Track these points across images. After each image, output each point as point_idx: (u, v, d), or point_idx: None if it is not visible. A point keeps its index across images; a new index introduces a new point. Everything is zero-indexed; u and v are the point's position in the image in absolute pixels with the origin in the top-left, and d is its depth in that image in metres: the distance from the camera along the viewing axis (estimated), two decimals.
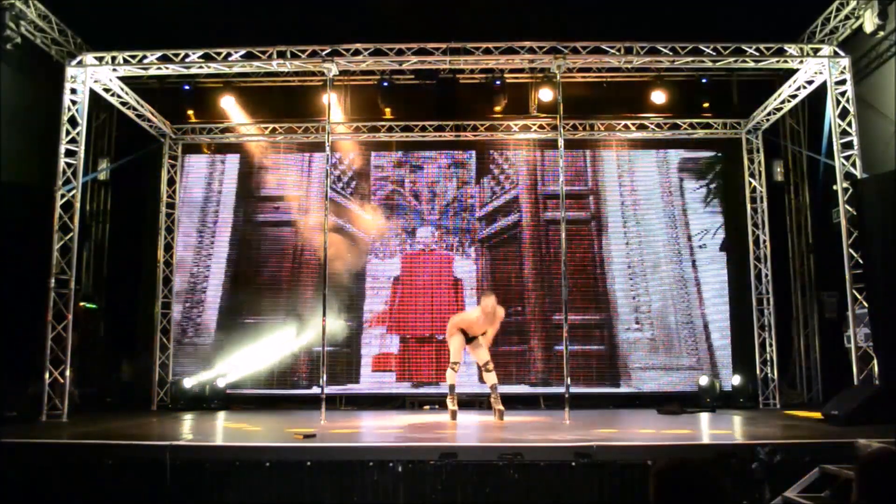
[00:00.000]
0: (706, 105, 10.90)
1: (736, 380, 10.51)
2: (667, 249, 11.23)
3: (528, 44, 8.86)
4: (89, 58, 8.93)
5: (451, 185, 11.57)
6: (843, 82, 8.55)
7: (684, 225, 11.30)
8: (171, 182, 11.26)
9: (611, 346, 11.01)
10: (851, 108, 8.47)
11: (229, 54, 8.96)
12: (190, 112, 11.20)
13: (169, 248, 11.10)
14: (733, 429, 7.53)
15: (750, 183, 10.90)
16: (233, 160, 11.66)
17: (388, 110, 10.92)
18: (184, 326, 11.15)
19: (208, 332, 11.18)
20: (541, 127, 11.31)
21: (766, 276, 10.65)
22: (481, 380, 9.23)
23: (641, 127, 11.31)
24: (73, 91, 8.74)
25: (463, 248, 11.43)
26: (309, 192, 11.56)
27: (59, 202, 8.50)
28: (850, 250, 8.18)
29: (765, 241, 10.76)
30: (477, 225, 11.45)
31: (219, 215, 11.48)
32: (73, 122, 8.63)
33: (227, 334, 11.02)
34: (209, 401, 10.34)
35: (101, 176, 11.38)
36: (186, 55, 8.97)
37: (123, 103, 9.92)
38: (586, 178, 11.52)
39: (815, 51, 8.79)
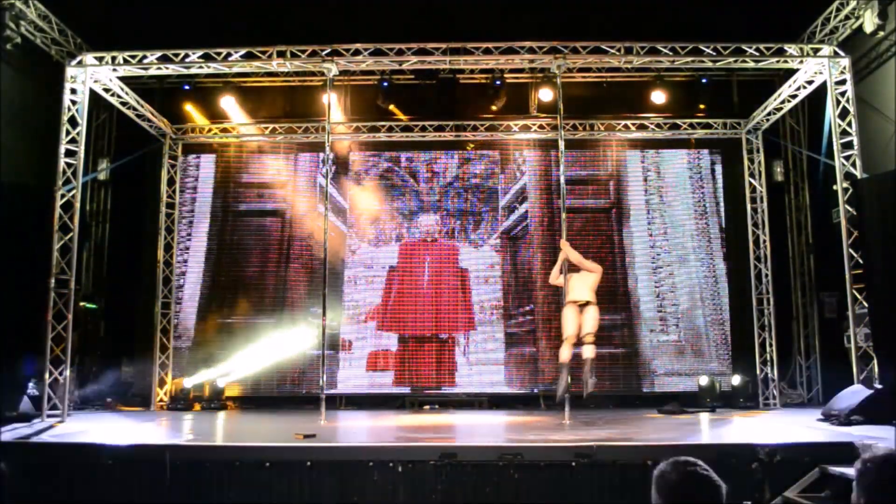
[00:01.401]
0: (702, 107, 10.94)
1: (736, 380, 10.51)
2: (695, 240, 11.19)
3: (528, 44, 8.86)
4: (89, 58, 8.92)
5: (452, 163, 11.53)
6: (843, 82, 8.55)
7: (715, 214, 11.29)
8: (171, 182, 11.26)
9: (631, 348, 10.97)
10: (851, 108, 8.46)
11: (229, 54, 8.95)
12: (190, 111, 11.17)
13: (169, 248, 11.09)
14: (733, 429, 7.53)
15: (750, 183, 10.90)
16: (208, 159, 11.64)
17: (396, 109, 10.91)
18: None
19: (188, 333, 11.20)
20: (541, 127, 11.30)
21: (766, 276, 10.65)
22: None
23: (641, 127, 11.31)
24: (73, 91, 8.73)
25: (466, 236, 11.34)
26: (296, 183, 11.53)
27: (59, 202, 8.49)
28: (850, 250, 8.17)
29: (765, 241, 10.75)
30: (481, 205, 11.38)
31: (196, 208, 11.48)
32: (73, 122, 8.62)
33: (209, 333, 11.07)
34: (209, 401, 10.35)
35: (101, 176, 11.38)
36: (186, 55, 8.96)
37: (123, 103, 9.91)
38: (606, 164, 11.46)
39: (815, 51, 8.79)
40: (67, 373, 8.24)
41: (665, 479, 1.92)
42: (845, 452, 5.10)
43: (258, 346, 10.76)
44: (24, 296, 8.11)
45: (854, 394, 7.39)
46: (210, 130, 11.37)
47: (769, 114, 10.39)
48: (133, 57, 8.93)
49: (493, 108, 10.96)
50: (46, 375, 8.07)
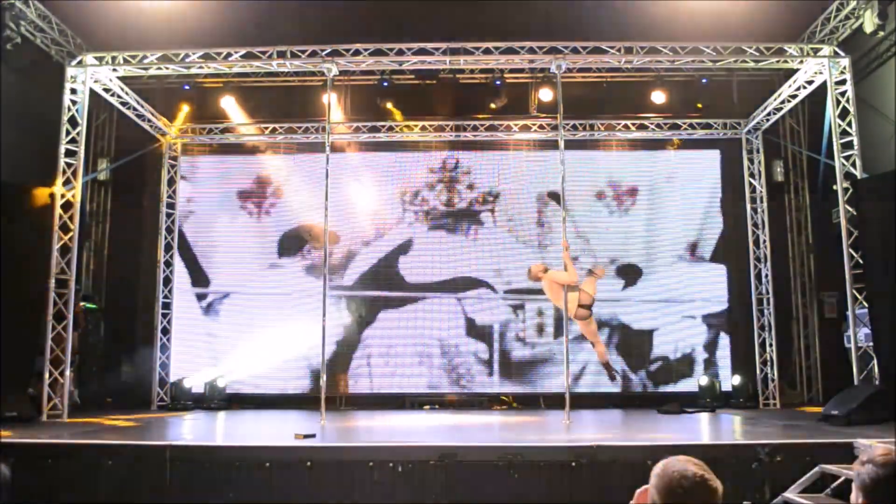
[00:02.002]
0: (700, 106, 10.95)
1: (736, 380, 10.50)
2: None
3: (528, 44, 8.86)
4: (89, 58, 8.92)
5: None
6: (843, 82, 8.55)
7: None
8: (171, 182, 11.26)
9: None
10: (851, 108, 8.47)
11: (229, 54, 8.95)
12: (190, 111, 11.17)
13: (169, 248, 11.09)
14: (733, 429, 7.53)
15: (750, 183, 10.90)
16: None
17: (395, 109, 10.90)
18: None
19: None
20: (541, 127, 11.29)
21: (766, 276, 10.65)
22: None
23: (641, 127, 11.30)
24: (73, 91, 8.74)
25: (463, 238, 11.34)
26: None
27: (59, 202, 8.50)
28: (850, 250, 8.18)
29: (765, 241, 10.75)
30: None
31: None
32: (73, 122, 8.63)
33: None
34: (209, 401, 10.34)
35: (101, 176, 11.38)
36: (186, 55, 8.96)
37: (123, 103, 9.91)
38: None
39: (816, 51, 8.79)
40: (68, 372, 8.24)
41: (662, 479, 1.92)
42: (845, 452, 5.10)
43: (259, 346, 10.75)
44: (23, 296, 8.11)
45: (854, 394, 7.39)
46: (210, 131, 11.37)
47: (769, 114, 10.39)
48: (133, 57, 8.94)
49: (493, 107, 10.95)
50: (46, 375, 8.08)
